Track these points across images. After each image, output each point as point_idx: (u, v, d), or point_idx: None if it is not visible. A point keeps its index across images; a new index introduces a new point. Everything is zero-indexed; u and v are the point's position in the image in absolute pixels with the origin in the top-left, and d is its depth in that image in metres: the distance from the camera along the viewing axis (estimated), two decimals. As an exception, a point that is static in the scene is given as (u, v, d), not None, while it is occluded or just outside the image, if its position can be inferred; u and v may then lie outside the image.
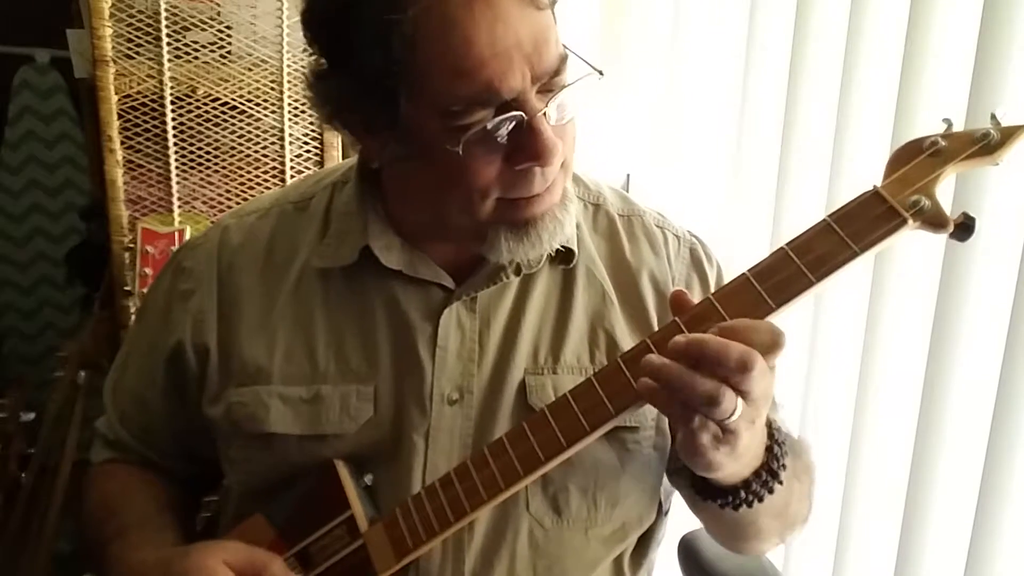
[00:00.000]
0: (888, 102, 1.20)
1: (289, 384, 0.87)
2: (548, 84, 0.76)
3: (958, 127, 0.69)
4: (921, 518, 1.17)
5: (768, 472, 0.78)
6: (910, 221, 0.66)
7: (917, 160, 0.68)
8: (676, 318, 0.71)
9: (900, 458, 1.20)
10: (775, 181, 1.45)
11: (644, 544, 0.94)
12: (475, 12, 0.71)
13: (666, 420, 0.91)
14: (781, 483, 0.79)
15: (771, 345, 0.66)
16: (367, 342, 0.87)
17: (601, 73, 0.79)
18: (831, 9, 1.32)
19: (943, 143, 0.68)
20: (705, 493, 0.81)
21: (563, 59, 0.76)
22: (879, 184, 0.68)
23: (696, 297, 0.75)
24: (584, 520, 0.86)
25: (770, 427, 0.79)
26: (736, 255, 1.54)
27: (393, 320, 0.87)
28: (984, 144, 0.67)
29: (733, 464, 0.72)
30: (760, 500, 0.78)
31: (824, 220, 0.69)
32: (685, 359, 0.66)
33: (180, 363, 0.92)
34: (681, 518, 1.01)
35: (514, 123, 0.74)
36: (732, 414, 0.66)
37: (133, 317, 1.74)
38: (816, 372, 1.36)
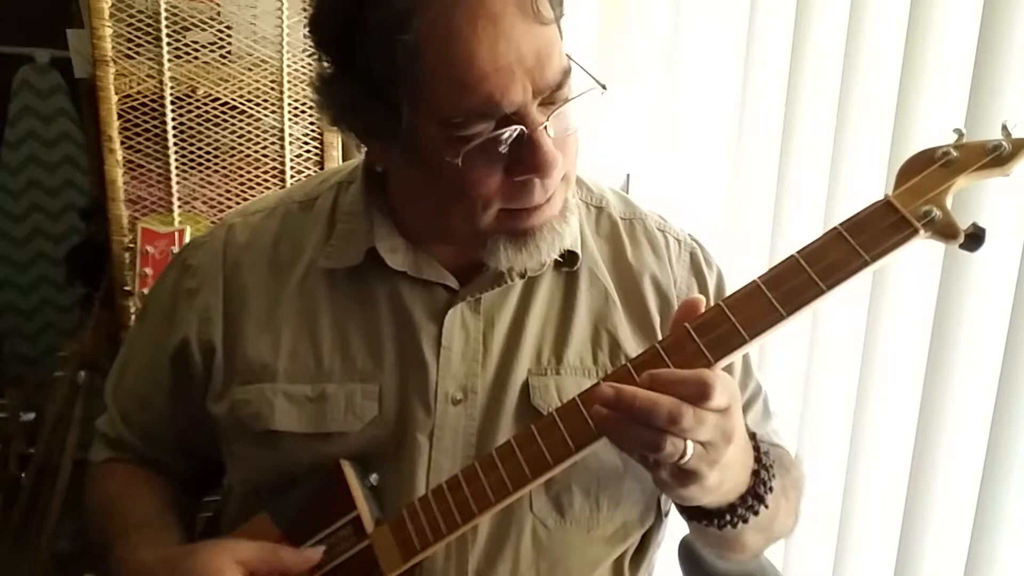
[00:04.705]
0: (888, 102, 1.20)
1: (294, 382, 0.87)
2: (550, 97, 0.76)
3: (959, 128, 0.69)
4: (921, 519, 1.17)
5: (754, 496, 0.78)
6: (921, 231, 0.66)
7: (929, 170, 0.68)
8: (686, 324, 0.71)
9: (900, 459, 1.20)
10: (775, 181, 1.45)
11: (644, 545, 0.94)
12: (478, 28, 0.71)
13: None
14: (767, 506, 0.79)
15: (698, 397, 0.66)
16: (372, 341, 0.88)
17: (604, 87, 0.79)
18: (831, 10, 1.32)
19: (955, 154, 0.67)
20: (688, 513, 0.81)
21: (566, 73, 0.77)
22: (890, 193, 0.68)
23: None
24: (586, 520, 0.87)
25: (757, 451, 0.79)
26: (735, 255, 1.54)
27: (398, 320, 0.88)
28: (996, 156, 0.66)
29: (706, 496, 0.73)
30: (745, 522, 0.79)
31: (835, 229, 0.68)
32: (620, 411, 0.67)
33: (185, 361, 0.92)
34: (681, 519, 1.01)
35: (515, 136, 0.75)
36: (683, 457, 0.66)
37: (133, 317, 1.74)
38: (816, 373, 1.37)
